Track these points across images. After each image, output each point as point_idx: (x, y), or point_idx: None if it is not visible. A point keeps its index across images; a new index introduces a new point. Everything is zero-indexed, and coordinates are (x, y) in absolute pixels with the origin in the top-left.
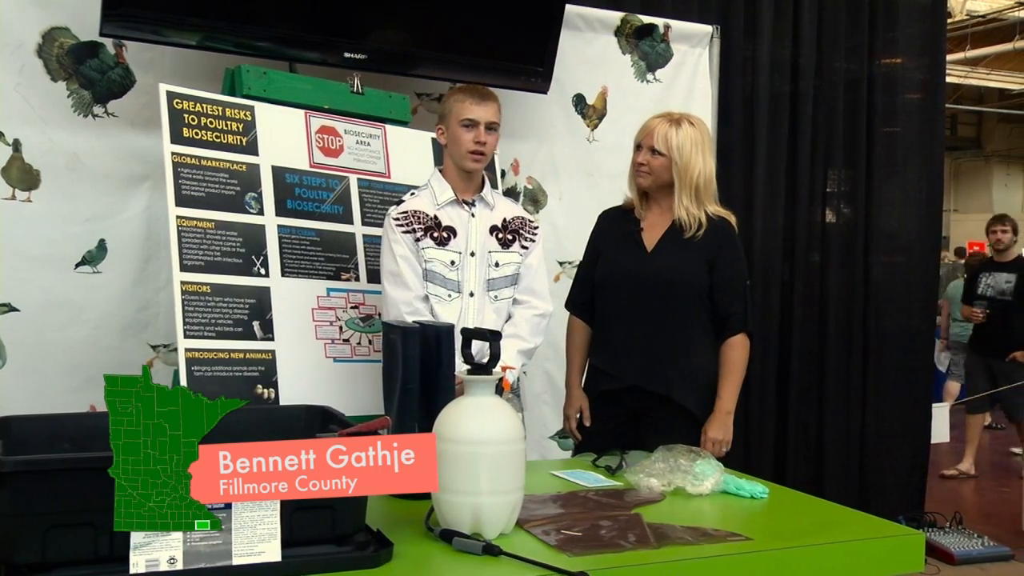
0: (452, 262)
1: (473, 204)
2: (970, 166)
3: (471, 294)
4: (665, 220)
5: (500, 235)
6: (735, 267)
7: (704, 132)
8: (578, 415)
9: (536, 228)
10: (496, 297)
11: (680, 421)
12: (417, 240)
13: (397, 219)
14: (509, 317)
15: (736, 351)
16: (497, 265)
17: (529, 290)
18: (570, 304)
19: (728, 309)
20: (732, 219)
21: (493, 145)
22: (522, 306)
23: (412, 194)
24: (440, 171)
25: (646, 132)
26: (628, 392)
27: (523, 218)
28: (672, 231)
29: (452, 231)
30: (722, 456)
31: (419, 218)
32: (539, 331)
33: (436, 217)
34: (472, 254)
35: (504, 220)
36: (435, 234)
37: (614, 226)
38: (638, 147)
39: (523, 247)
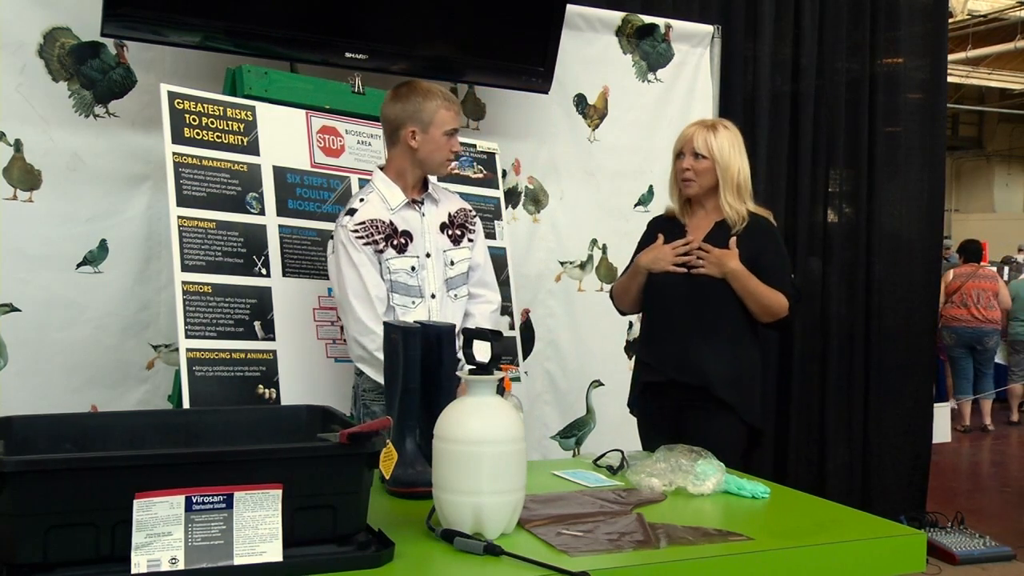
0: (412, 268)
1: (422, 203)
2: (971, 166)
3: (432, 296)
4: (708, 222)
5: (450, 231)
6: (778, 257)
7: (738, 135)
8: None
9: (475, 217)
10: (456, 296)
11: (720, 415)
12: (380, 251)
13: (355, 231)
14: (467, 314)
15: (777, 295)
16: (452, 263)
17: (482, 283)
18: (612, 292)
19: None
20: (771, 216)
21: None
22: (478, 302)
23: (361, 200)
24: (382, 170)
25: (685, 140)
26: (669, 385)
27: (465, 210)
28: (715, 232)
29: (408, 235)
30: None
31: (377, 227)
32: (497, 325)
33: (392, 223)
34: (428, 255)
35: (450, 215)
36: (394, 241)
37: (662, 230)
38: (679, 155)
39: (469, 240)
